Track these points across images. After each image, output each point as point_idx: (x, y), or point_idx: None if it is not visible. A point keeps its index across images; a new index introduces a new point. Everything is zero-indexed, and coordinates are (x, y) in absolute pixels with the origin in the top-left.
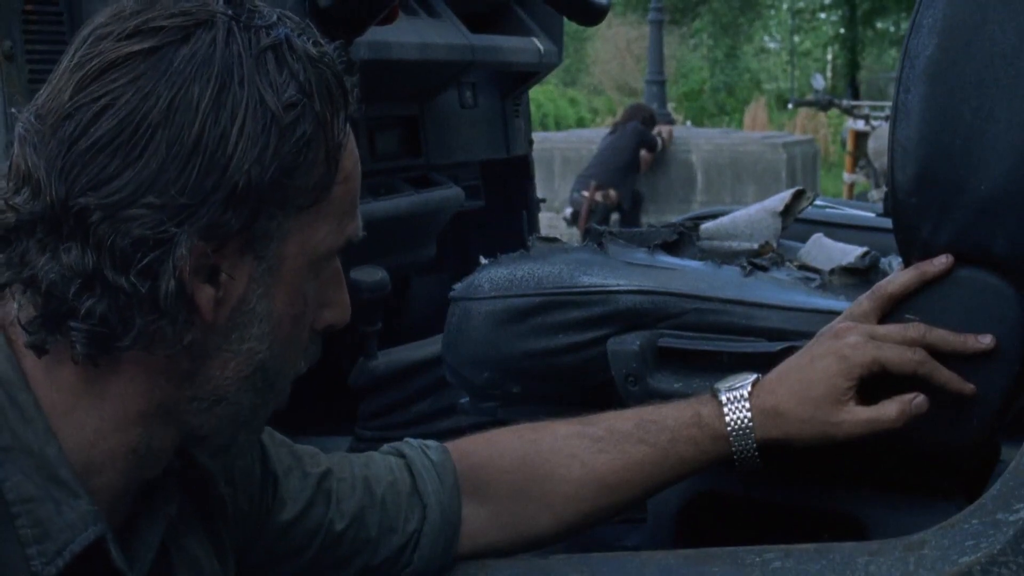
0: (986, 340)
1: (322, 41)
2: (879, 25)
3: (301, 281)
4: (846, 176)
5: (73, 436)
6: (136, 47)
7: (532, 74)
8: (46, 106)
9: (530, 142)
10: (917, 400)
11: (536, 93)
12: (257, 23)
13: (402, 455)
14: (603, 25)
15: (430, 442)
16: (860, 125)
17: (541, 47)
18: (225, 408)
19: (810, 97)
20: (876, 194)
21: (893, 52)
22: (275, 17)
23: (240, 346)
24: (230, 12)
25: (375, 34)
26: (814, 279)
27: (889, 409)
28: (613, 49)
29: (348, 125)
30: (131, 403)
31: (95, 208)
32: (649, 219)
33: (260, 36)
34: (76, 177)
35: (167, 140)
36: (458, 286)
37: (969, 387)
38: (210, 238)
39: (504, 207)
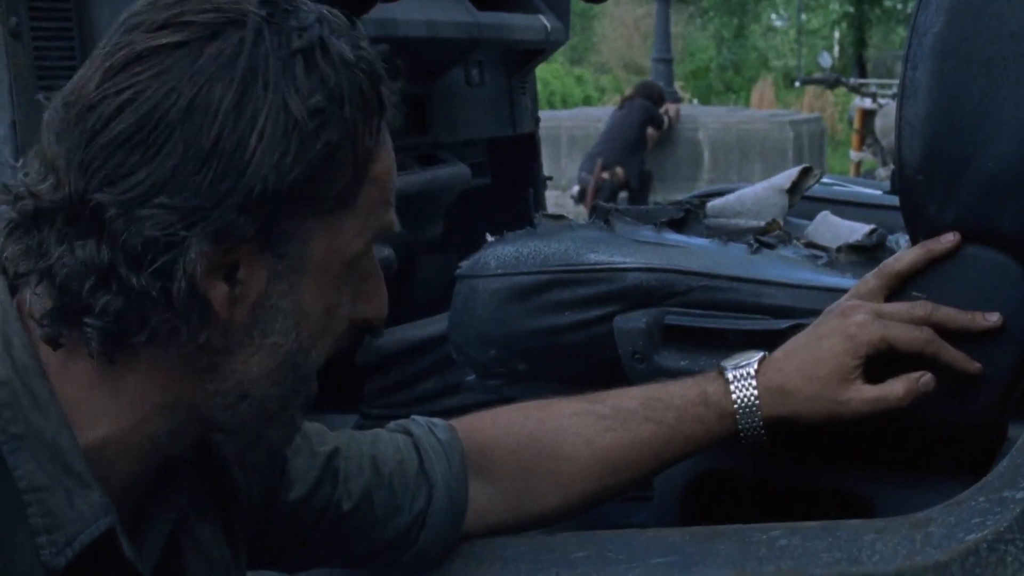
0: (993, 318)
1: (364, 44)
2: (886, 3)
3: (332, 278)
4: (853, 154)
5: (87, 426)
6: (164, 40)
7: (539, 52)
8: (73, 93)
9: (536, 120)
10: (924, 378)
11: (543, 71)
12: (291, 24)
13: (409, 433)
14: (610, 3)
15: (437, 420)
16: (867, 103)
17: (548, 24)
18: (251, 404)
19: (817, 75)
20: (883, 172)
21: (900, 30)
22: (312, 18)
23: (263, 340)
24: (264, 12)
25: (381, 11)
26: (821, 257)
27: (896, 387)
28: (620, 27)
29: (382, 129)
30: (148, 398)
31: (110, 204)
32: (656, 197)
33: (292, 38)
34: (95, 171)
35: (184, 140)
36: (464, 264)
37: (976, 365)
38: (223, 241)
39: (510, 185)
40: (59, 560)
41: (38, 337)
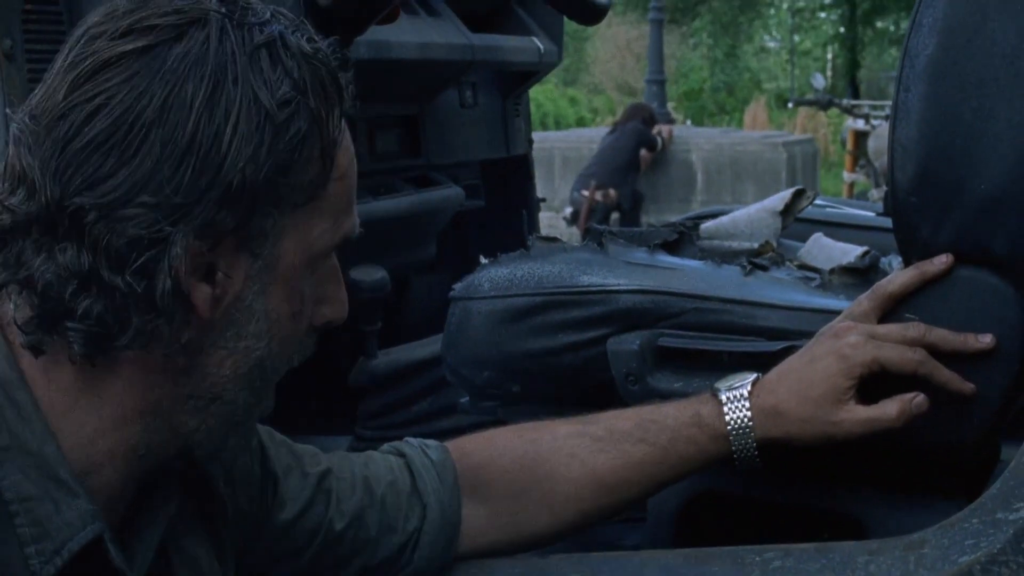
0: (986, 339)
1: (316, 37)
2: (879, 24)
3: (298, 278)
4: (846, 175)
5: (72, 435)
6: (129, 46)
7: (532, 73)
8: (40, 106)
9: (530, 141)
10: (917, 400)
11: (536, 93)
12: (251, 20)
13: (402, 454)
14: (603, 24)
15: (430, 441)
16: (860, 124)
17: (541, 46)
18: (220, 407)
19: (810, 96)
20: (876, 193)
21: (893, 51)
22: (268, 14)
23: (237, 343)
24: (223, 10)
25: (375, 33)
26: (814, 278)
27: (889, 409)
28: (613, 48)
29: (343, 122)
30: (130, 402)
31: (90, 208)
32: (649, 219)
33: (254, 33)
34: (71, 177)
35: (161, 139)
36: (458, 286)
37: (969, 387)
38: (205, 236)
39: (504, 207)
40: (48, 569)
41: (20, 346)
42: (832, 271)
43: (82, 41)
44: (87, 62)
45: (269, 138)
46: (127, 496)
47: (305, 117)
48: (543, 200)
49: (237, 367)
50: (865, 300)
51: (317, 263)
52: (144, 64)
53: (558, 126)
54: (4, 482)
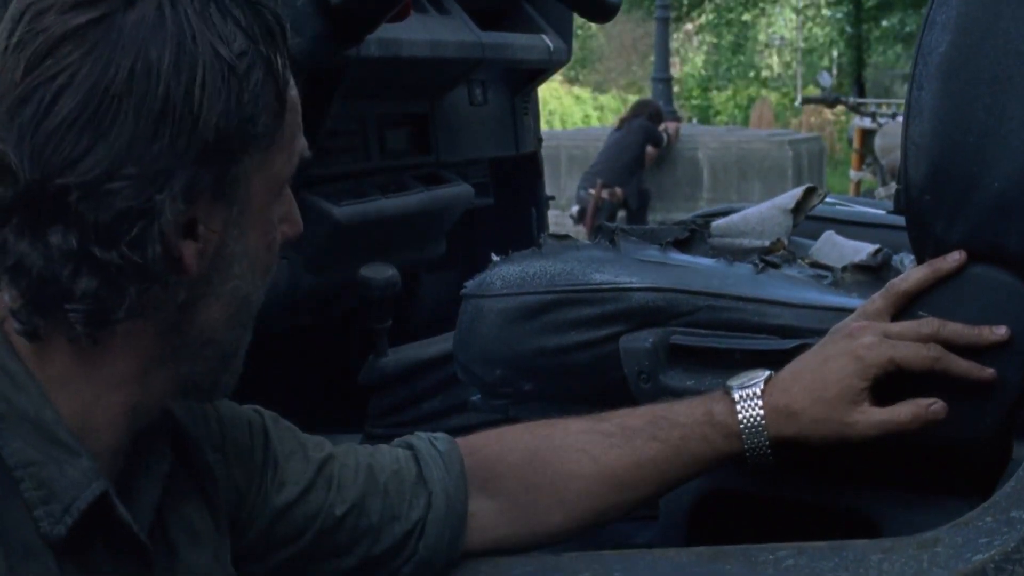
0: (1001, 331)
1: None
2: (884, 23)
3: (268, 212)
4: (852, 173)
5: (68, 402)
6: (83, 18)
7: (542, 71)
8: None
9: (539, 139)
10: (934, 407)
11: (542, 91)
12: None
13: (410, 447)
14: (608, 23)
15: (438, 434)
16: (866, 122)
17: (551, 44)
18: (213, 349)
19: (816, 95)
20: (883, 191)
21: (899, 49)
22: None
23: (223, 287)
24: None
25: (385, 31)
26: (826, 276)
27: (904, 412)
28: (619, 47)
29: (286, 57)
30: (125, 367)
31: (73, 187)
32: (655, 217)
33: None
34: (49, 158)
35: (134, 108)
36: (470, 283)
37: (989, 372)
38: (191, 199)
39: (513, 204)
40: (59, 529)
41: (11, 329)
42: (844, 269)
43: (26, 18)
44: (38, 39)
45: (236, 91)
46: (123, 456)
47: (261, 65)
48: (552, 198)
49: (227, 309)
50: (878, 298)
51: (280, 192)
52: (101, 34)
53: (564, 124)
54: (5, 449)
